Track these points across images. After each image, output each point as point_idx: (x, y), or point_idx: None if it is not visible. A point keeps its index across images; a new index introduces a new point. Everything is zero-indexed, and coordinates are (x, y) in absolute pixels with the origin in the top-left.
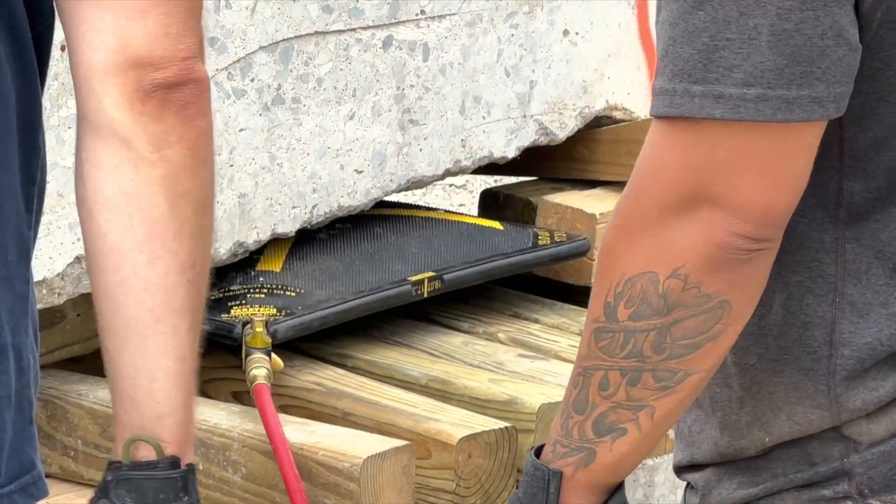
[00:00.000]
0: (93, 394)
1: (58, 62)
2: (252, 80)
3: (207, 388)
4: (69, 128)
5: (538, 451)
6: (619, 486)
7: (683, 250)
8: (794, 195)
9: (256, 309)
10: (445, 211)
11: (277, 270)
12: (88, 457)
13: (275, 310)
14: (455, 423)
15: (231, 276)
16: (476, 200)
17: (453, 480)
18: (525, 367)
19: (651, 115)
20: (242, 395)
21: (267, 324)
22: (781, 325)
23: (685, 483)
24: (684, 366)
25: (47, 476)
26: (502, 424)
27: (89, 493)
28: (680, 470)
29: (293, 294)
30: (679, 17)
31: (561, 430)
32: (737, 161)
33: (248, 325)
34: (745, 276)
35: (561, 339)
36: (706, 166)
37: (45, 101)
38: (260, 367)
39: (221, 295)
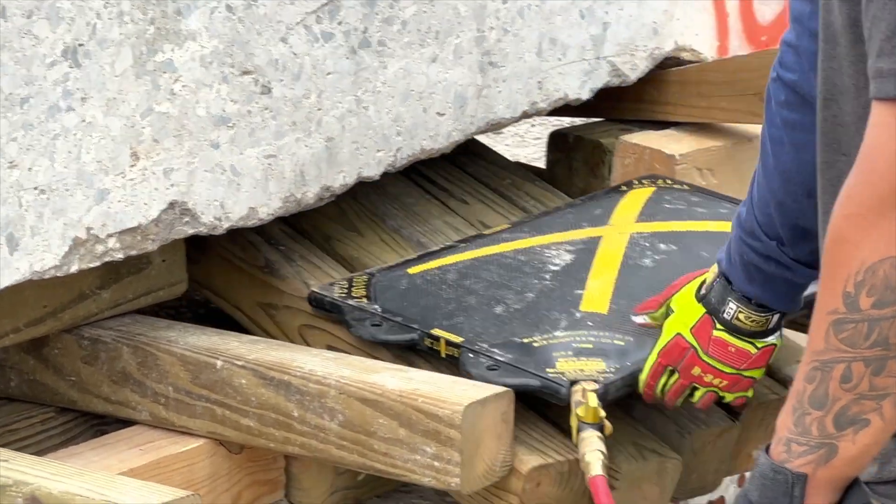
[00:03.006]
0: (183, 340)
1: (154, 6)
2: (339, 24)
3: (305, 332)
4: (164, 73)
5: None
6: (855, 482)
7: None
8: None
9: (584, 363)
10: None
11: (604, 312)
12: (180, 403)
13: (603, 363)
14: None
15: (554, 317)
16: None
17: None
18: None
19: (875, 98)
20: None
21: (597, 391)
22: None
23: None
24: None
25: (137, 423)
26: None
27: (180, 440)
28: None
29: (622, 343)
30: None
31: (795, 427)
32: None
33: (578, 392)
34: None
35: None
36: None
37: (142, 46)
38: (595, 452)
39: (545, 342)
